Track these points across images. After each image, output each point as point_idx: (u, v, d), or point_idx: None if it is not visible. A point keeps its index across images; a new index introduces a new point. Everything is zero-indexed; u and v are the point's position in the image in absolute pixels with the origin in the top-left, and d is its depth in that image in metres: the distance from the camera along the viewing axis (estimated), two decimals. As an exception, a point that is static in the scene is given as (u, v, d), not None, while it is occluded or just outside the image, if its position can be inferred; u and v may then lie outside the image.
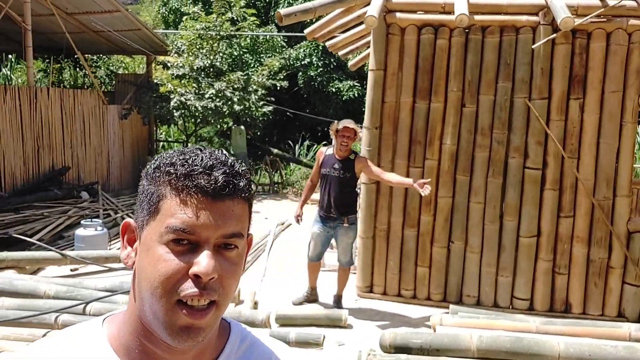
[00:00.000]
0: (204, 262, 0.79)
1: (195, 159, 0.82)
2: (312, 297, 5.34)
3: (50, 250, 5.92)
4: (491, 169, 5.17)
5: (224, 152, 0.87)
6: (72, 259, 5.78)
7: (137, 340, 0.85)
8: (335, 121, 5.11)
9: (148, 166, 0.87)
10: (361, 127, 5.33)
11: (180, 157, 0.83)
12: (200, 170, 0.81)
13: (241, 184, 0.84)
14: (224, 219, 0.81)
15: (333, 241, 5.36)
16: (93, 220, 6.73)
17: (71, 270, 6.09)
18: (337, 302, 5.21)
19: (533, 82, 5.01)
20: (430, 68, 5.22)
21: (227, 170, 0.83)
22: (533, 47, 4.93)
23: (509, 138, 5.12)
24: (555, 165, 5.04)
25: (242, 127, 12.03)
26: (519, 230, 5.17)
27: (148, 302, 0.81)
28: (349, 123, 4.94)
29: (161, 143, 15.74)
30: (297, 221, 5.26)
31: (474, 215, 5.26)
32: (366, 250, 5.50)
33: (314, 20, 6.28)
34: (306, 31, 5.92)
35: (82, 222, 6.68)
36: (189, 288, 0.79)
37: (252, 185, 0.88)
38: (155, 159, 0.86)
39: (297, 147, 14.51)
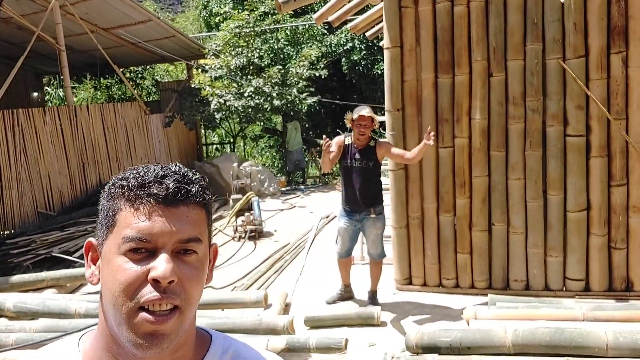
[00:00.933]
0: (161, 266, 0.80)
1: (147, 171, 0.85)
2: (346, 294, 5.07)
3: (89, 265, 5.96)
4: (528, 141, 4.69)
5: (179, 164, 0.90)
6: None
7: (109, 354, 0.86)
8: (348, 111, 4.79)
9: (105, 186, 0.89)
10: (377, 113, 4.98)
11: (133, 172, 0.86)
12: (152, 179, 0.83)
13: (193, 189, 0.85)
14: (179, 224, 0.83)
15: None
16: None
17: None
18: (372, 298, 4.91)
19: (566, 40, 4.48)
20: (450, 39, 4.80)
21: (179, 178, 0.85)
22: (562, 0, 4.41)
23: (545, 105, 4.62)
24: (600, 130, 4.50)
25: (296, 122, 11.91)
26: (566, 204, 4.68)
27: (112, 313, 0.82)
28: (363, 111, 4.62)
29: (214, 146, 15.91)
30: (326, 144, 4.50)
31: (514, 193, 4.80)
32: (401, 241, 5.17)
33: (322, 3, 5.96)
34: (315, 16, 5.62)
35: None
36: (148, 293, 0.79)
37: (208, 193, 0.89)
38: (111, 178, 0.89)
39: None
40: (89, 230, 7.34)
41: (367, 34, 7.09)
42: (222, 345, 0.96)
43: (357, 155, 4.69)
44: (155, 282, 0.80)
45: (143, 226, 0.81)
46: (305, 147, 13.13)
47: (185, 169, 0.89)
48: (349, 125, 4.75)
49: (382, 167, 5.06)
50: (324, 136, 4.61)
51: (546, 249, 4.79)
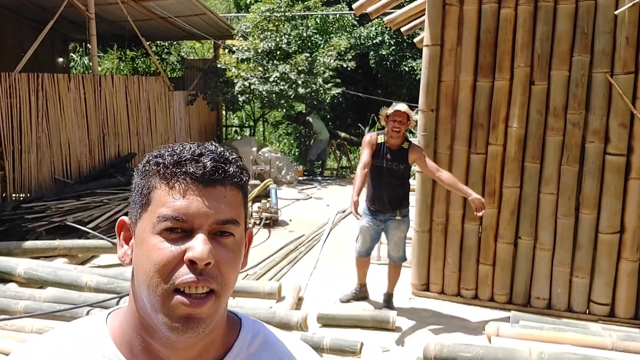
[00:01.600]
0: (198, 246, 0.77)
1: (182, 149, 0.83)
2: (361, 294, 4.94)
3: (102, 238, 5.89)
4: (565, 155, 4.51)
5: (215, 144, 0.86)
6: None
7: (139, 337, 0.84)
8: (383, 107, 4.63)
9: (139, 163, 0.87)
10: (415, 111, 4.83)
11: (169, 149, 0.83)
12: (189, 157, 0.81)
13: (231, 169, 0.83)
14: (217, 204, 0.80)
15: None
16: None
17: (122, 259, 6.03)
18: (388, 302, 4.77)
19: (616, 54, 4.28)
20: (494, 41, 4.61)
21: (216, 157, 0.82)
22: (616, 12, 4.20)
23: (587, 119, 4.43)
24: (642, 151, 4.31)
25: (316, 113, 11.76)
26: (598, 225, 4.50)
27: (146, 295, 0.79)
28: (399, 106, 4.45)
29: (234, 128, 15.79)
30: (357, 216, 4.26)
31: (546, 208, 4.62)
32: (422, 245, 5.02)
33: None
34: (354, 6, 5.45)
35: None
36: (184, 274, 0.77)
37: (245, 173, 0.86)
38: (145, 155, 0.86)
39: (366, 129, 14.02)
40: (105, 202, 7.28)
41: (402, 29, 6.89)
42: (252, 330, 0.94)
43: (389, 156, 4.53)
44: (192, 264, 0.77)
45: (179, 205, 0.79)
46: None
47: (222, 148, 0.86)
48: (383, 121, 4.58)
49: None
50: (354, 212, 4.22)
51: (573, 269, 4.62)
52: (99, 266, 5.76)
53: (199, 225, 0.79)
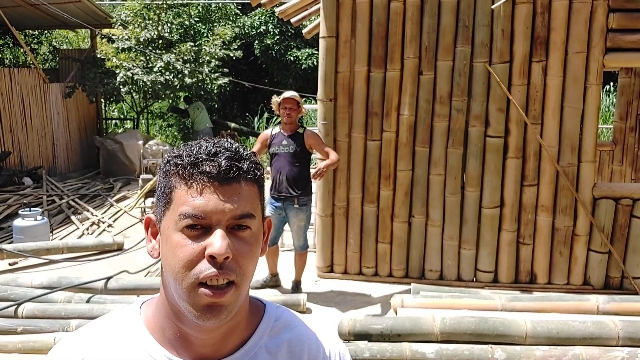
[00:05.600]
0: (217, 242, 0.83)
1: (199, 149, 0.88)
2: (271, 283, 5.05)
3: (-16, 244, 5.47)
4: (451, 139, 4.91)
5: (230, 140, 0.92)
6: (8, 253, 5.34)
7: (170, 322, 0.92)
8: (274, 95, 4.77)
9: (161, 162, 0.93)
10: (310, 100, 4.98)
11: (187, 149, 0.89)
12: (204, 157, 0.86)
13: (245, 166, 0.88)
14: (233, 201, 0.86)
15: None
16: (32, 209, 6.26)
17: (9, 264, 5.64)
18: (296, 288, 4.93)
19: (493, 45, 4.74)
20: (385, 34, 4.89)
21: (230, 155, 0.87)
22: (493, 7, 4.64)
23: (469, 105, 4.86)
24: (517, 133, 4.81)
25: (199, 102, 11.55)
26: (482, 201, 4.97)
27: (173, 286, 0.87)
28: (288, 94, 4.64)
29: (113, 121, 15.08)
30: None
31: (435, 188, 5.02)
32: (325, 229, 5.23)
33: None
34: (250, -4, 5.50)
35: (20, 211, 6.21)
36: (206, 269, 0.83)
37: (259, 169, 0.91)
38: (167, 154, 0.92)
39: (256, 119, 14.06)
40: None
41: (292, 20, 7.02)
42: (275, 314, 1.02)
43: (285, 142, 4.68)
44: (212, 258, 0.84)
45: (197, 203, 0.85)
46: (212, 128, 12.81)
47: (237, 145, 0.91)
48: (275, 110, 4.72)
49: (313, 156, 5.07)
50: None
51: (460, 242, 5.06)
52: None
53: (217, 221, 0.85)
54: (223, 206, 0.85)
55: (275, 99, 4.68)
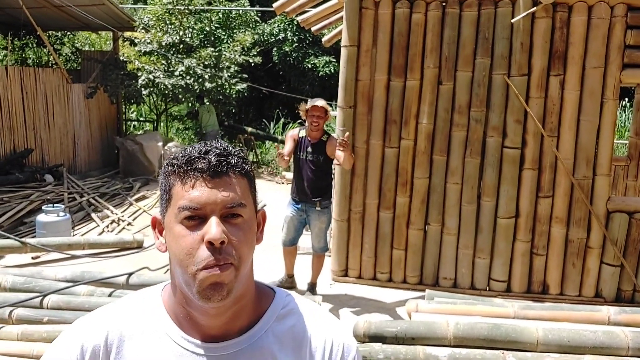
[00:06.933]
0: (212, 229, 0.93)
1: (192, 150, 0.99)
2: (287, 284, 5.15)
3: (8, 237, 5.62)
4: (469, 149, 5.00)
5: (222, 141, 1.02)
6: (32, 247, 5.49)
7: (180, 306, 1.02)
8: (302, 102, 4.86)
9: (163, 165, 1.05)
10: (332, 106, 5.09)
11: (182, 151, 1.00)
12: (197, 155, 0.97)
13: (232, 161, 0.98)
14: (224, 192, 0.95)
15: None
16: (55, 205, 6.42)
17: (32, 258, 5.80)
18: (311, 290, 5.03)
19: (512, 58, 4.83)
20: (406, 44, 5.00)
21: (219, 152, 0.97)
22: (512, 21, 4.74)
23: (487, 116, 4.95)
24: (534, 144, 4.89)
25: (209, 105, 11.69)
26: (497, 211, 5.04)
27: (180, 273, 0.96)
28: (318, 102, 4.71)
29: (132, 123, 15.30)
30: (282, 153, 4.63)
31: (451, 196, 5.10)
32: (341, 233, 5.32)
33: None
34: (275, 5, 5.63)
35: (43, 207, 6.37)
36: (208, 257, 0.93)
37: (247, 163, 1.01)
38: (167, 158, 1.03)
39: (272, 124, 14.20)
40: (5, 201, 6.89)
41: (313, 29, 7.15)
42: (283, 301, 1.10)
43: (310, 149, 4.77)
44: (210, 244, 0.93)
45: (193, 196, 0.95)
46: (223, 131, 12.91)
47: (226, 144, 1.01)
48: (303, 116, 4.81)
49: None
50: (277, 149, 4.69)
51: (475, 251, 5.13)
52: (7, 266, 5.49)
53: (211, 211, 0.95)
54: (215, 197, 0.95)
55: (304, 106, 4.77)
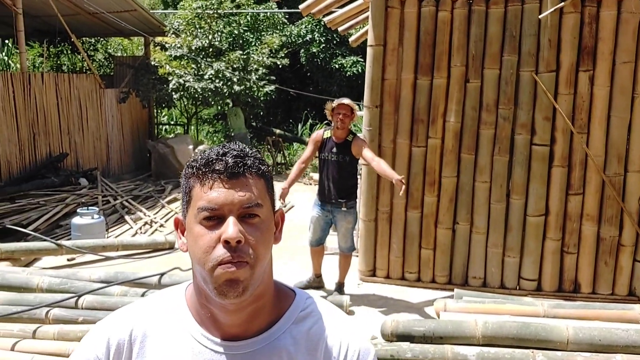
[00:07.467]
0: (229, 229, 0.95)
1: (211, 152, 1.02)
2: (315, 284, 5.19)
3: (45, 240, 5.80)
4: (497, 147, 4.96)
5: (240, 143, 1.04)
6: (67, 249, 5.65)
7: (202, 304, 1.05)
8: (328, 101, 4.88)
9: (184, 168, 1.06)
10: (359, 106, 5.11)
11: (201, 154, 1.02)
12: (214, 158, 1.00)
13: (249, 162, 1.00)
14: (241, 192, 0.98)
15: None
16: (89, 208, 6.59)
17: (68, 260, 5.97)
18: (339, 289, 5.05)
19: (540, 55, 4.77)
20: (432, 42, 4.99)
21: (236, 154, 1.00)
22: (540, 17, 4.69)
23: (515, 114, 4.90)
24: (563, 141, 4.82)
25: (237, 108, 11.83)
26: (526, 209, 4.99)
27: (199, 271, 0.99)
28: (344, 100, 4.72)
29: (164, 127, 15.58)
30: (280, 197, 4.69)
31: (480, 195, 5.07)
32: (368, 233, 5.34)
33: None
34: (301, 7, 5.68)
35: (78, 210, 6.54)
36: (224, 253, 0.95)
37: (263, 164, 1.03)
38: (187, 161, 1.05)
39: (300, 126, 14.27)
40: (41, 204, 7.10)
41: (339, 29, 7.18)
42: (303, 303, 1.12)
43: (335, 149, 4.79)
44: (227, 243, 0.95)
45: (211, 197, 0.98)
46: (251, 133, 13.03)
47: (243, 146, 1.04)
48: (329, 116, 4.83)
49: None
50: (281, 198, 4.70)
51: (505, 250, 5.08)
52: (43, 268, 5.67)
53: (228, 211, 0.97)
54: (232, 197, 0.97)
55: (330, 105, 4.78)
